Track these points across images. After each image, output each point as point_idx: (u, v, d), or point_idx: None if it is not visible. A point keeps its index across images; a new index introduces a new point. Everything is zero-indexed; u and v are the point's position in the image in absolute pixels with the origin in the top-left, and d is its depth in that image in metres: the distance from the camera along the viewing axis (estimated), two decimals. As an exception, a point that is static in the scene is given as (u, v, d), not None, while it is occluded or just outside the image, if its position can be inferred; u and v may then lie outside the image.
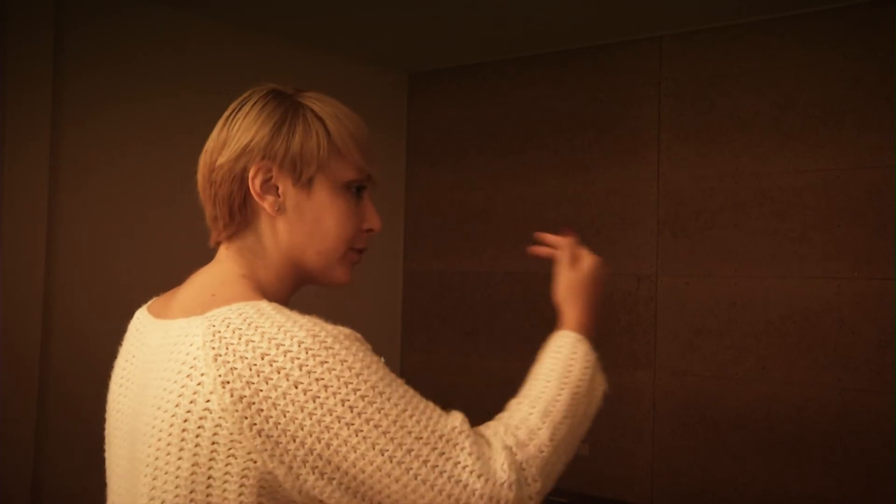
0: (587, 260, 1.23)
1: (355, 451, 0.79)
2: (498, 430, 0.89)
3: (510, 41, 3.27)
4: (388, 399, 0.81)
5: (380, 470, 0.79)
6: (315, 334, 0.81)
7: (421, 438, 0.81)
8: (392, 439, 0.80)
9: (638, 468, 3.04)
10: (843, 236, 2.68)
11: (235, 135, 0.93)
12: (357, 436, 0.79)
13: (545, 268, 3.91)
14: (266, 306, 0.84)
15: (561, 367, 0.99)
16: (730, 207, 2.89)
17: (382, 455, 0.79)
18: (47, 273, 2.50)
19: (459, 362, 3.51)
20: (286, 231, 0.95)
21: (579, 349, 1.03)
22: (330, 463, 0.79)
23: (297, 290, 1.00)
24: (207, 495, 0.80)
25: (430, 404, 0.86)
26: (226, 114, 0.97)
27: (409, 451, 0.80)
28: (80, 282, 2.59)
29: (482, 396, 3.39)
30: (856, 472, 2.62)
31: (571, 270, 1.20)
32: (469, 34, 3.18)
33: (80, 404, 2.51)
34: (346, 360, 0.81)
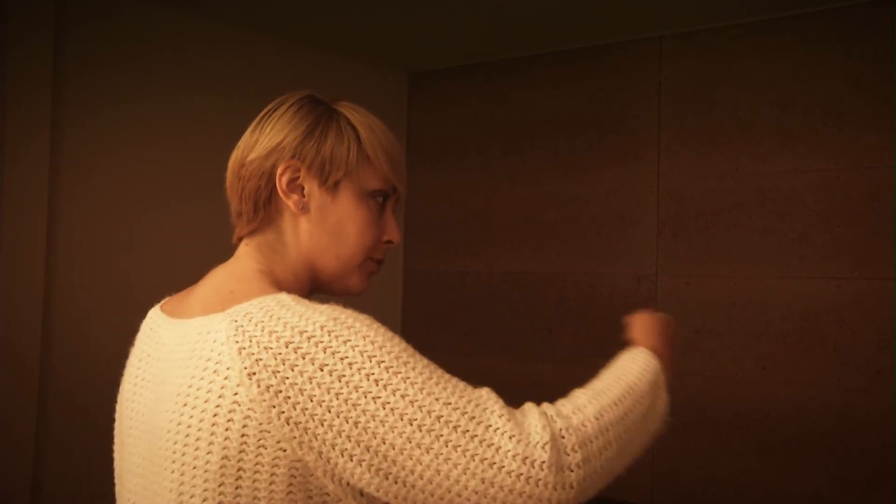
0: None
1: (384, 425, 0.78)
2: (538, 405, 0.88)
3: (510, 41, 3.27)
4: (413, 368, 0.81)
5: (410, 441, 0.78)
6: (336, 317, 0.82)
7: (450, 404, 0.80)
8: (420, 407, 0.79)
9: (638, 468, 3.03)
10: (843, 236, 2.68)
11: (269, 134, 0.96)
12: (385, 408, 0.78)
13: (545, 268, 3.91)
14: (286, 298, 0.86)
15: (619, 367, 1.00)
16: (730, 207, 2.89)
17: (411, 424, 0.78)
18: (47, 273, 2.50)
19: (459, 362, 3.50)
20: (307, 232, 0.97)
21: (639, 356, 1.03)
22: (360, 444, 0.78)
23: (311, 294, 1.01)
24: (237, 487, 0.81)
25: (455, 377, 0.85)
26: (261, 114, 0.99)
27: (439, 417, 0.79)
28: (80, 282, 2.59)
29: (482, 396, 3.39)
30: (856, 472, 2.62)
31: (646, 315, 1.17)
32: (469, 34, 3.18)
33: (80, 404, 2.52)
34: (367, 336, 0.82)
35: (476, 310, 3.49)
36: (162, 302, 1.04)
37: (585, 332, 3.17)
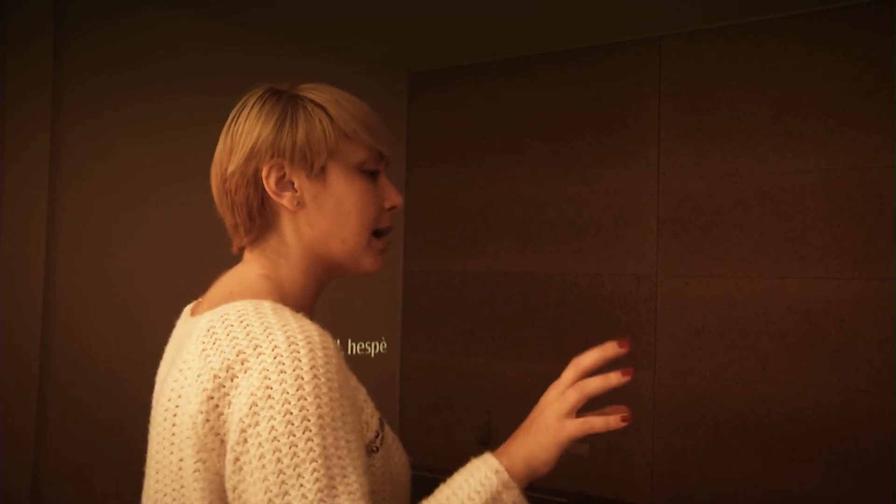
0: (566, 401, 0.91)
1: (251, 476, 0.74)
2: None
3: (510, 41, 3.27)
4: (308, 440, 0.74)
5: None
6: (293, 341, 0.78)
7: (306, 498, 0.73)
8: (282, 483, 0.73)
9: (638, 468, 3.04)
10: (843, 236, 2.68)
11: (240, 139, 0.93)
12: (259, 461, 0.74)
13: (545, 268, 3.90)
14: (266, 305, 0.83)
15: (463, 495, 0.85)
16: (730, 207, 2.89)
17: (264, 494, 0.73)
18: (47, 273, 2.50)
19: (459, 362, 3.51)
20: (308, 224, 0.94)
21: (488, 484, 0.85)
22: (230, 480, 0.76)
23: (325, 285, 0.99)
24: (193, 490, 0.81)
25: (355, 481, 0.76)
26: (227, 121, 0.97)
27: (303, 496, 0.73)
28: (80, 282, 2.59)
29: (482, 396, 3.39)
30: (856, 472, 2.62)
31: (553, 396, 0.91)
32: (469, 34, 3.18)
33: (80, 404, 2.52)
34: (302, 378, 0.76)
35: (476, 310, 3.49)
36: (195, 301, 1.04)
37: (585, 332, 3.17)
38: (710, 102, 2.95)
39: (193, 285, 1.05)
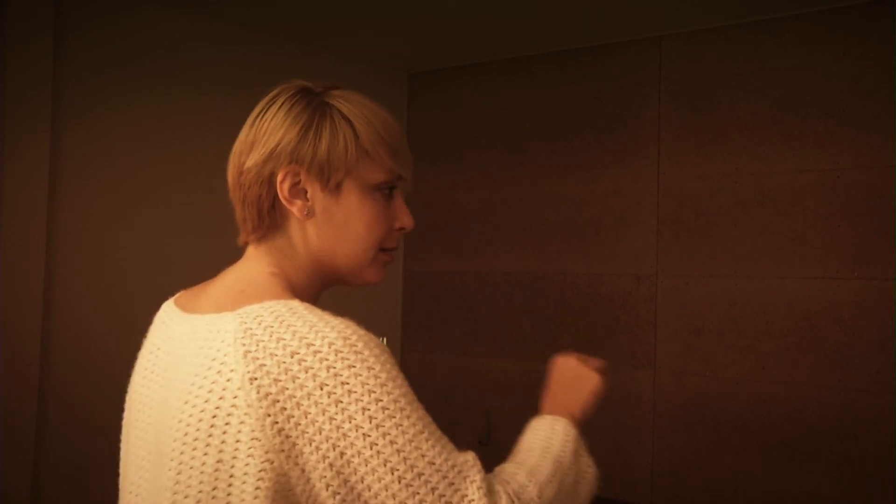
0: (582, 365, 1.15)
1: (366, 465, 0.78)
2: (497, 477, 0.89)
3: (510, 41, 3.27)
4: (408, 417, 0.80)
5: (386, 489, 0.79)
6: (346, 336, 0.81)
7: (434, 464, 0.80)
8: (405, 459, 0.79)
9: (638, 468, 3.04)
10: (843, 236, 2.68)
11: (262, 137, 0.92)
12: (371, 449, 0.78)
13: (545, 268, 3.89)
14: (298, 305, 0.84)
15: (541, 440, 1.00)
16: (730, 207, 2.90)
17: (392, 474, 0.78)
18: (47, 273, 2.50)
19: (459, 362, 3.51)
20: (315, 234, 0.94)
21: (558, 426, 1.03)
22: (339, 475, 0.78)
23: (325, 290, 1.00)
24: (228, 493, 0.81)
25: (445, 436, 0.85)
26: (254, 113, 0.96)
27: (420, 475, 0.79)
28: (80, 282, 2.59)
29: (482, 396, 3.39)
30: (856, 472, 2.62)
31: (573, 361, 1.15)
32: (469, 34, 3.18)
33: (81, 404, 2.52)
34: (373, 368, 0.80)
35: (476, 310, 3.49)
36: (176, 296, 1.03)
37: (585, 332, 3.17)
38: (710, 102, 2.95)
39: (193, 285, 1.05)
